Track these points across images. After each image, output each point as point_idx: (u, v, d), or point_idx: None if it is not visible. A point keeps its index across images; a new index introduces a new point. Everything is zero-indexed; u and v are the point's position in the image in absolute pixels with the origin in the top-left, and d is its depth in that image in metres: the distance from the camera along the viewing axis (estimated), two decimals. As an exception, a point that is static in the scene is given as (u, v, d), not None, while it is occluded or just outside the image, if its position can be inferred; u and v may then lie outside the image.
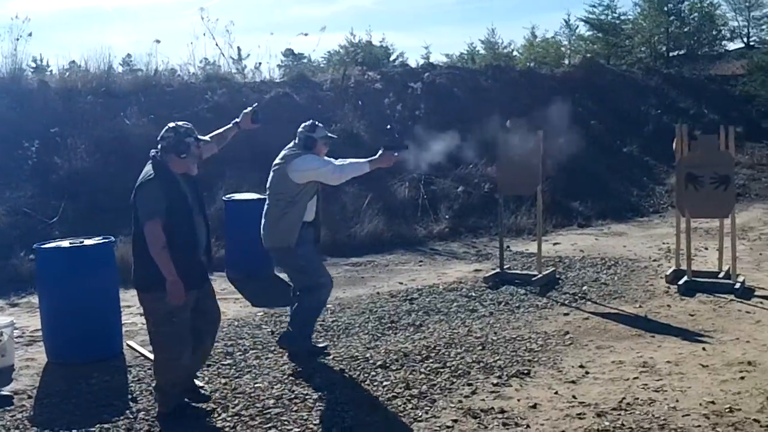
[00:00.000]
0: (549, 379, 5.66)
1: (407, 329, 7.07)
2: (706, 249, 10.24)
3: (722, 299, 7.78)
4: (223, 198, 9.83)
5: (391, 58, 29.80)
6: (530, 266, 9.57)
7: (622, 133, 17.12)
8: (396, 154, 6.20)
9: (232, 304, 8.08)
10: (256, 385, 5.64)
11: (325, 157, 6.19)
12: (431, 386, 5.57)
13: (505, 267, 9.22)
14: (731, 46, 27.91)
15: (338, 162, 6.17)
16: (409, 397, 5.36)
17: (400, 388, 5.53)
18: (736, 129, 17.80)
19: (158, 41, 17.11)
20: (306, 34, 20.89)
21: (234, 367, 6.06)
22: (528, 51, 29.11)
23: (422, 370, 5.93)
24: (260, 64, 17.89)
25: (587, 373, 5.78)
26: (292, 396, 5.43)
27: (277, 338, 6.51)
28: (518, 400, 5.26)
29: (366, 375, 5.84)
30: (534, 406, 5.15)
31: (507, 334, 6.83)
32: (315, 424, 4.95)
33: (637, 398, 5.22)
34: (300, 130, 6.22)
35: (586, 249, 10.80)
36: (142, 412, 5.20)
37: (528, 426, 4.84)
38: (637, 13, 27.25)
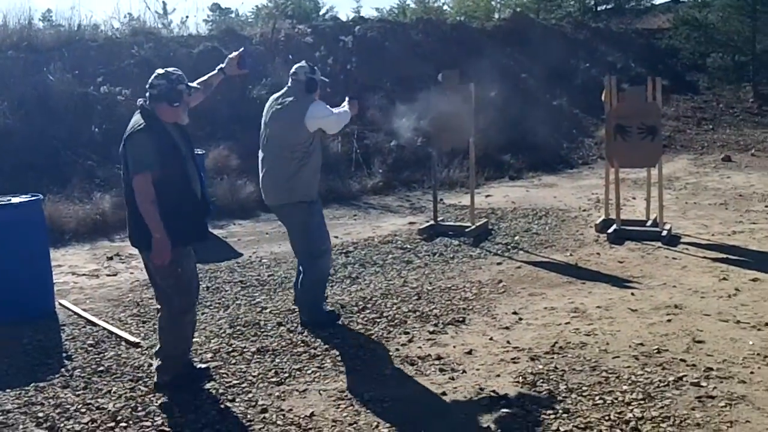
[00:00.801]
0: (483, 326, 5.77)
1: (344, 282, 7.09)
2: (634, 199, 10.50)
3: (650, 246, 8.00)
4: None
5: (321, 12, 29.45)
6: (463, 218, 9.67)
7: (551, 86, 17.28)
8: (357, 101, 6.03)
9: (165, 261, 7.95)
10: (193, 340, 5.57)
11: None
12: (369, 336, 5.62)
13: (438, 219, 9.31)
14: (657, 0, 28.39)
15: (334, 109, 5.81)
16: (346, 347, 5.40)
17: (338, 338, 5.56)
18: (662, 82, 18.22)
19: (81, -5, 16.54)
20: (233, -12, 20.40)
21: (169, 323, 5.99)
22: (458, 5, 29.11)
23: (359, 320, 5.97)
24: (187, 18, 17.49)
25: (520, 319, 5.90)
26: (230, 349, 5.42)
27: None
28: (454, 347, 5.34)
29: (303, 327, 5.85)
30: (469, 352, 5.24)
31: (442, 284, 6.91)
32: (254, 376, 4.95)
33: (569, 342, 5.35)
34: (296, 71, 5.74)
35: (518, 200, 10.95)
36: (78, 370, 5.12)
37: (464, 371, 4.93)
38: (567, -34, 27.43)
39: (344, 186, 11.72)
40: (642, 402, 4.38)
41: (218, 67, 5.26)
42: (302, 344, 5.49)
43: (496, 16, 26.99)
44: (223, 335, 5.71)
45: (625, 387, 4.59)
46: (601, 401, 4.42)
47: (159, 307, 4.87)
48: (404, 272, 7.36)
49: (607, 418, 4.22)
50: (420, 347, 5.37)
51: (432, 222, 9.21)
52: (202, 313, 6.21)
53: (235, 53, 5.24)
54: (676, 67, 20.12)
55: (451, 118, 8.78)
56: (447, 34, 18.42)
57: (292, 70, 5.77)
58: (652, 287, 6.61)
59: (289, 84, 5.78)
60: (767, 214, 9.37)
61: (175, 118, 4.65)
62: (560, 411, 4.31)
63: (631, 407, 4.32)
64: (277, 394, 4.65)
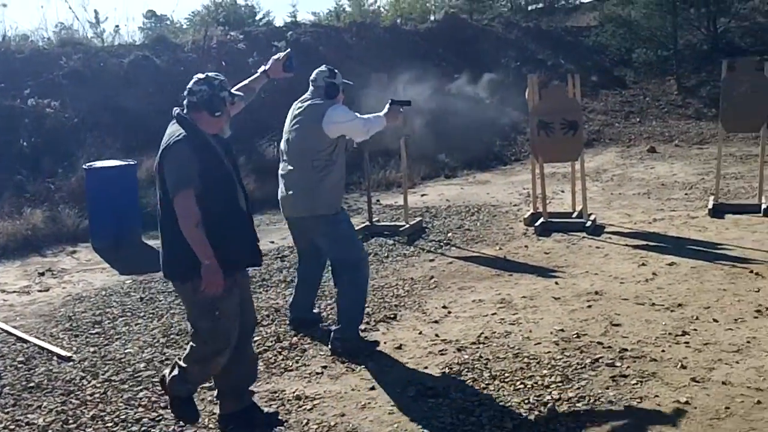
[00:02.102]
0: (414, 321, 5.94)
1: (278, 286, 7.19)
2: (563, 192, 10.80)
3: (575, 237, 8.29)
4: (84, 166, 9.57)
5: (258, 17, 29.38)
6: (399, 218, 9.85)
7: (484, 85, 17.58)
8: (402, 110, 5.67)
9: (99, 274, 7.96)
10: (126, 351, 5.64)
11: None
12: (301, 337, 5.74)
13: (374, 220, 9.47)
14: (585, -1, 29.04)
15: (362, 115, 5.51)
16: (279, 349, 5.51)
17: (271, 341, 5.67)
18: (591, 78, 18.68)
19: (5, 5, 16.33)
20: (166, -6, 20.31)
21: (103, 335, 6.02)
22: (394, 7, 29.34)
23: (293, 322, 6.08)
24: (118, 27, 17.36)
25: (449, 312, 6.09)
26: (164, 358, 5.48)
27: (329, 343, 5.42)
28: (385, 343, 5.50)
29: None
30: (399, 347, 5.41)
31: (375, 282, 7.06)
32: (187, 381, 5.03)
33: (495, 332, 5.57)
34: (315, 77, 5.41)
35: (452, 198, 11.18)
36: (7, 387, 5.10)
37: (394, 365, 5.11)
38: (497, -32, 27.91)
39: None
40: (560, 384, 4.61)
41: (261, 69, 4.87)
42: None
43: (431, 17, 27.32)
44: (157, 344, 5.77)
45: (545, 371, 4.82)
46: (522, 386, 4.64)
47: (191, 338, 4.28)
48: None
49: (526, 401, 4.43)
50: (351, 344, 5.52)
51: (367, 223, 9.37)
52: (136, 324, 6.26)
53: (282, 54, 4.92)
54: (604, 63, 20.63)
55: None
56: (381, 37, 18.61)
57: (312, 76, 5.46)
58: (575, 276, 6.88)
59: (310, 90, 5.46)
60: (687, 202, 9.76)
61: (216, 129, 4.12)
62: (483, 398, 4.51)
63: (549, 390, 4.55)
64: (209, 398, 4.72)
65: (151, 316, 6.45)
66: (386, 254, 8.14)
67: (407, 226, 9.03)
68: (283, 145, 5.54)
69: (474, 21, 23.64)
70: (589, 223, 8.54)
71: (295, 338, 5.71)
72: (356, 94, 9.49)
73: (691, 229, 8.34)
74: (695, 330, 5.32)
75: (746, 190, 10.14)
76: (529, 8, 27.35)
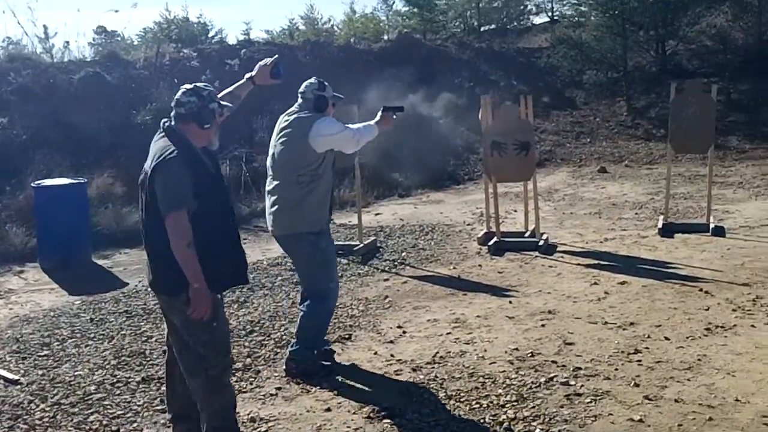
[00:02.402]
0: (369, 341, 5.92)
1: (231, 306, 7.10)
2: (516, 211, 10.89)
3: (528, 256, 8.36)
4: (32, 184, 9.38)
5: (210, 35, 29.22)
6: (353, 237, 9.83)
7: (437, 104, 17.70)
8: (395, 116, 5.58)
9: (47, 295, 7.80)
10: (76, 373, 5.53)
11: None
12: (255, 358, 5.68)
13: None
14: (537, 20, 29.46)
15: (351, 125, 5.38)
16: (233, 371, 5.44)
17: (225, 362, 5.60)
18: (543, 98, 18.92)
19: (-51, 20, 15.94)
20: (116, 11, 20.13)
21: (52, 358, 5.90)
22: (348, 27, 29.44)
23: (246, 344, 6.02)
24: (68, 42, 17.10)
25: (404, 332, 6.09)
26: (115, 380, 5.38)
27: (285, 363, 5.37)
28: (340, 363, 5.47)
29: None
30: (353, 367, 5.38)
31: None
32: (139, 405, 4.95)
33: (450, 351, 5.57)
34: (304, 89, 5.26)
35: (406, 218, 11.20)
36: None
37: (349, 386, 5.07)
38: (450, -11, 28.19)
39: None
40: (515, 403, 4.63)
41: (247, 75, 4.66)
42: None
43: (385, 37, 27.48)
44: (108, 366, 5.66)
45: (500, 390, 4.83)
46: (477, 405, 4.65)
47: (187, 377, 4.02)
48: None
49: (482, 421, 4.44)
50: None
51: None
52: (86, 346, 6.14)
53: (268, 60, 4.68)
54: (555, 84, 20.91)
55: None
56: (335, 56, 18.66)
57: (301, 88, 5.31)
58: (529, 295, 6.93)
59: (298, 103, 5.32)
60: (637, 221, 9.92)
61: (204, 141, 3.97)
62: (439, 418, 4.51)
63: (505, 409, 4.56)
64: (162, 421, 4.65)
65: (101, 337, 6.33)
66: (340, 274, 8.08)
67: (361, 245, 9.02)
68: (269, 159, 5.40)
69: (428, 41, 23.84)
70: (541, 243, 8.63)
71: (248, 359, 5.65)
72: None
73: (642, 248, 8.48)
74: (647, 348, 5.40)
75: (695, 209, 10.34)
76: (482, 29, 27.64)
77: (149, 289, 7.70)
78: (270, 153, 5.38)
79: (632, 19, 19.62)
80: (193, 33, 24.54)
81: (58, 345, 6.20)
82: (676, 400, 4.52)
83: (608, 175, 13.98)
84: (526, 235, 9.14)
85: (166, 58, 15.50)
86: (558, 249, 8.66)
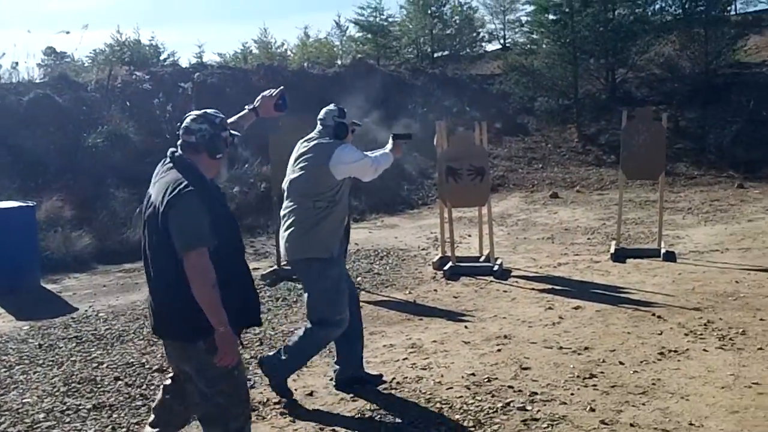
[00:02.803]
0: (324, 367, 5.85)
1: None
2: (470, 236, 10.95)
3: (483, 281, 8.39)
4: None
5: (162, 57, 29.01)
6: (307, 261, 9.75)
7: (391, 130, 17.80)
8: (404, 143, 5.61)
9: (-7, 320, 7.59)
10: (24, 401, 5.37)
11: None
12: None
13: (282, 264, 9.35)
14: (489, 47, 29.84)
15: (369, 153, 5.34)
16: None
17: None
18: (495, 125, 19.13)
19: None
20: (68, 32, 19.88)
21: (-2, 385, 5.73)
22: (301, 51, 29.48)
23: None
24: (17, 63, 16.80)
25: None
26: (64, 408, 5.24)
27: (257, 359, 5.40)
28: (296, 389, 5.39)
29: (143, 380, 5.74)
30: (310, 394, 5.32)
31: (285, 328, 6.97)
32: (89, 433, 4.82)
33: (406, 377, 5.54)
34: (324, 116, 5.21)
35: (361, 242, 11.18)
36: None
37: (305, 413, 5.01)
38: (404, 15, 28.44)
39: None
40: (473, 429, 4.62)
41: (249, 107, 4.40)
42: (141, 398, 5.38)
43: (339, 62, 27.58)
44: (57, 393, 5.51)
45: (457, 416, 4.81)
46: (435, 431, 4.61)
47: (204, 426, 3.74)
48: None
49: (440, 447, 4.40)
50: (261, 392, 5.39)
51: (275, 267, 9.26)
52: (34, 372, 5.97)
53: (274, 91, 4.47)
54: (507, 111, 21.17)
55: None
56: (289, 80, 18.63)
57: (320, 114, 5.26)
58: (484, 319, 6.94)
59: (318, 129, 5.26)
60: (589, 246, 10.04)
61: (214, 172, 3.71)
62: (396, 444, 4.47)
63: (462, 435, 4.54)
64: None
65: (50, 363, 6.16)
66: (295, 299, 8.05)
67: (317, 269, 8.94)
68: (285, 183, 5.29)
69: (381, 66, 23.99)
70: (496, 268, 8.68)
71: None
72: (269, 134, 9.48)
73: (595, 273, 8.58)
74: (602, 373, 5.43)
75: (645, 235, 10.52)
76: (435, 55, 27.90)
77: (99, 314, 7.59)
78: (287, 177, 5.29)
79: (583, 48, 20.02)
80: (144, 55, 24.35)
81: (5, 372, 6.01)
82: (631, 425, 4.55)
83: (560, 200, 14.17)
84: (481, 259, 9.18)
85: (118, 81, 15.33)
86: (512, 274, 8.71)
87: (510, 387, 5.25)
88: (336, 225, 5.15)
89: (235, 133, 3.80)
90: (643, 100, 19.58)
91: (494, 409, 4.87)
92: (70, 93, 14.19)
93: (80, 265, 9.97)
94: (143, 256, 3.64)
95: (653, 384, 5.18)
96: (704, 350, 5.80)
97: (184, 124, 3.66)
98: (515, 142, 19.18)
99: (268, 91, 4.48)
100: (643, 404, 4.85)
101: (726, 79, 19.60)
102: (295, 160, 5.24)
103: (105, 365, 6.10)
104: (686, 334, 6.19)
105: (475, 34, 29.14)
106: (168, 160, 3.65)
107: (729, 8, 22.45)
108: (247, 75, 18.14)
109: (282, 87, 4.59)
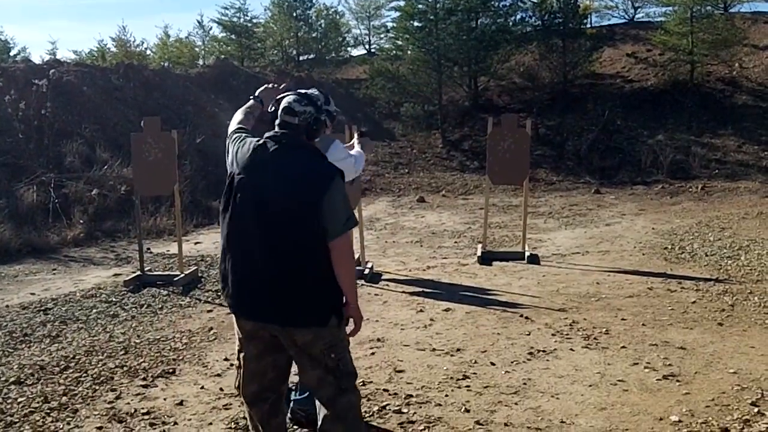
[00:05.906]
0: (195, 375, 5.68)
1: (43, 341, 6.61)
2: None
3: (354, 285, 8.37)
4: None
5: (12, 53, 27.54)
6: (172, 267, 9.47)
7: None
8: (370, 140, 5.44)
9: None
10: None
11: None
12: (72, 396, 5.29)
13: (146, 269, 9.03)
14: (355, 52, 30.08)
15: (352, 152, 5.08)
16: (48, 411, 5.03)
17: (38, 402, 5.17)
18: (362, 129, 19.28)
19: None
20: None
21: None
22: (162, 50, 28.70)
23: (61, 381, 5.59)
24: None
25: (232, 365, 5.87)
26: None
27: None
28: (164, 399, 5.20)
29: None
30: (181, 403, 5.13)
31: (150, 336, 6.71)
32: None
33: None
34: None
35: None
36: None
37: (175, 423, 4.82)
38: (269, 17, 28.20)
39: (41, 238, 10.96)
40: (350, 434, 4.56)
41: (253, 96, 4.16)
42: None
43: (201, 62, 27.00)
44: None
45: (333, 422, 4.74)
46: (311, 438, 4.54)
47: (342, 411, 3.62)
48: (110, 326, 7.03)
49: (317, 454, 4.33)
50: (128, 403, 5.15)
51: (139, 272, 8.92)
52: None
53: (278, 84, 4.31)
54: (374, 116, 21.39)
55: (155, 165, 8.66)
56: (150, 79, 18.07)
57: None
58: (357, 323, 6.92)
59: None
60: (457, 250, 10.24)
61: None
62: (273, 452, 4.35)
63: (340, 441, 4.47)
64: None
65: None
66: (160, 305, 7.78)
67: (182, 275, 8.71)
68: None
69: (246, 68, 23.68)
70: (366, 271, 8.69)
71: (64, 397, 5.24)
72: (129, 135, 9.13)
73: (463, 275, 8.74)
74: (475, 374, 5.52)
75: (510, 238, 10.84)
76: (301, 58, 27.83)
77: None
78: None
79: (447, 55, 20.49)
80: (-7, 50, 23.02)
81: None
82: (505, 424, 4.64)
83: (427, 204, 14.40)
84: (352, 263, 9.17)
85: (-35, 76, 14.38)
86: (383, 277, 8.75)
87: (385, 390, 5.25)
88: None
89: (337, 110, 3.73)
90: (504, 107, 20.25)
91: (370, 413, 4.85)
92: None
93: None
94: (261, 244, 3.41)
95: (524, 384, 5.31)
96: (571, 350, 6.00)
97: (285, 105, 3.53)
98: (382, 147, 19.38)
99: (271, 84, 4.31)
100: (516, 404, 4.96)
101: (582, 89, 20.56)
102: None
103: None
104: (553, 335, 6.39)
105: (341, 39, 29.28)
106: (273, 143, 3.47)
107: (585, 21, 23.58)
108: (105, 73, 17.43)
109: (289, 80, 4.34)
